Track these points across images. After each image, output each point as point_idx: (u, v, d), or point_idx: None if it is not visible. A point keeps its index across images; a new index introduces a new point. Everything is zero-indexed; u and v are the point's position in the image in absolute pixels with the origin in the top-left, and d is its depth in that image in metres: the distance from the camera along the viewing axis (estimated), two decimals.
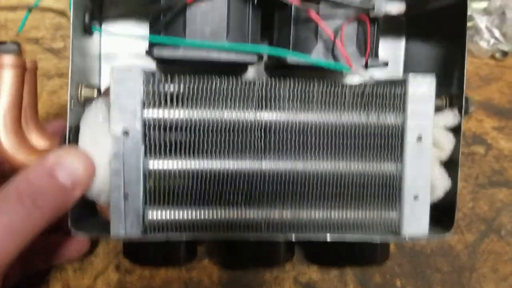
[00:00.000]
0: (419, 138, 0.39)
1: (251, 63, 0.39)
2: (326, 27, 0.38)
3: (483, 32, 0.58)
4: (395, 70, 0.51)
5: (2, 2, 0.52)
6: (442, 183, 0.41)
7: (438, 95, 0.41)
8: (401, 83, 0.39)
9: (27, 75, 0.40)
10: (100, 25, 0.43)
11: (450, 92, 0.43)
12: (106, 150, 0.37)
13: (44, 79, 0.52)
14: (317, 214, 0.40)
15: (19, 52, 0.38)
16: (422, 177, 0.40)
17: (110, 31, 0.45)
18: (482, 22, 0.57)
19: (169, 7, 0.38)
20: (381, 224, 0.41)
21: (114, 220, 0.37)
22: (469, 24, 0.56)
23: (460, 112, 0.41)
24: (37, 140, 0.41)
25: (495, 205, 0.59)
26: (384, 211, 0.40)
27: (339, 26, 0.39)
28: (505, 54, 0.60)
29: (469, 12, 0.55)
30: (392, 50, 0.51)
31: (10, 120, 0.38)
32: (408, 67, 0.51)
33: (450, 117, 0.40)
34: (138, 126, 0.36)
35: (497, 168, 0.60)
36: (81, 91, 0.39)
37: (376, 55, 0.42)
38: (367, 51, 0.41)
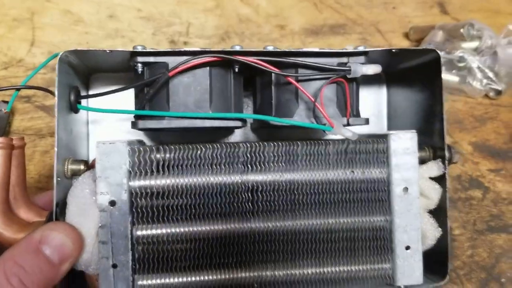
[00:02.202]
0: (406, 190, 0.40)
1: (235, 128, 0.40)
2: (306, 91, 0.39)
3: (476, 72, 0.59)
4: (379, 122, 0.52)
5: None
6: (432, 231, 0.41)
7: (422, 146, 0.42)
8: (383, 139, 0.40)
9: (15, 152, 0.41)
10: (87, 96, 0.44)
11: (433, 143, 0.43)
12: (93, 221, 0.37)
13: (36, 138, 0.53)
14: (310, 270, 0.40)
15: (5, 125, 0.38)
16: (412, 228, 0.40)
17: (96, 105, 0.47)
18: (474, 62, 0.59)
19: (153, 81, 0.39)
20: (375, 277, 0.40)
21: None
22: (461, 65, 0.59)
23: (443, 162, 0.41)
24: (26, 215, 0.41)
25: (494, 252, 0.58)
26: (377, 264, 0.40)
27: (319, 88, 0.40)
28: (499, 92, 0.61)
29: (460, 53, 0.57)
30: (376, 103, 0.53)
31: None
32: (392, 119, 0.52)
33: (434, 169, 0.41)
34: (125, 197, 0.37)
35: (495, 213, 0.59)
36: (68, 166, 0.40)
37: (358, 113, 0.43)
38: (348, 111, 0.42)
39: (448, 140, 0.59)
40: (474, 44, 0.59)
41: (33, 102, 0.54)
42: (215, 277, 0.39)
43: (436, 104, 0.43)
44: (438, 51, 0.41)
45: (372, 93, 0.52)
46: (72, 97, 0.41)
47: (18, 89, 0.47)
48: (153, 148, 0.38)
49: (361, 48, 0.41)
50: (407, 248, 0.40)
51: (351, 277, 0.40)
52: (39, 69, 0.46)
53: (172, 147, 0.38)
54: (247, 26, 0.59)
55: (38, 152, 0.52)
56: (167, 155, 0.38)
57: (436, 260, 0.42)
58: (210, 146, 0.38)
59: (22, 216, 0.41)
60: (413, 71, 0.47)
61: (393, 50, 0.42)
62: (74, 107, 0.41)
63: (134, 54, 0.39)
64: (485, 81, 0.59)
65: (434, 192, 0.41)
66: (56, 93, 0.38)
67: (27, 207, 0.42)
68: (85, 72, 0.45)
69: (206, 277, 0.39)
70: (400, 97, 0.50)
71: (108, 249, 0.37)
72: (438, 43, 0.59)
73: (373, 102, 0.52)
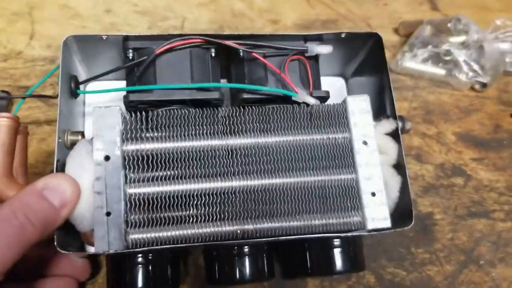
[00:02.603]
0: (365, 143, 0.45)
1: (216, 100, 0.46)
2: (273, 66, 0.47)
3: (462, 66, 0.62)
4: None
5: None
6: (394, 180, 0.46)
7: (377, 119, 0.48)
8: (342, 103, 0.47)
9: (18, 137, 0.46)
10: (85, 81, 0.50)
11: (387, 115, 0.50)
12: (89, 178, 0.41)
13: (33, 127, 0.55)
14: (287, 219, 0.43)
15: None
16: (375, 175, 0.45)
17: (94, 88, 0.53)
18: (460, 56, 0.62)
19: (141, 62, 0.46)
20: (347, 224, 0.44)
21: (98, 236, 0.39)
22: (447, 58, 0.63)
23: (394, 119, 0.48)
24: None
25: (474, 236, 0.60)
26: (348, 211, 0.44)
27: (283, 63, 0.48)
28: (484, 85, 0.64)
29: (447, 47, 0.62)
30: (338, 89, 0.61)
31: (2, 164, 0.42)
32: None
33: (387, 125, 0.47)
34: (118, 153, 0.41)
35: (476, 199, 0.62)
36: (67, 137, 0.45)
37: (319, 87, 0.50)
38: (310, 84, 0.49)
39: (433, 130, 0.65)
40: (461, 38, 0.64)
41: (32, 92, 0.55)
42: (200, 230, 0.42)
43: (384, 80, 0.51)
44: (379, 34, 0.50)
45: (332, 85, 0.60)
46: (73, 85, 0.47)
47: (24, 98, 0.53)
48: (142, 111, 0.43)
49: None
50: (373, 194, 0.44)
51: (324, 224, 0.44)
52: (45, 79, 0.52)
53: (159, 110, 0.44)
54: (241, 21, 0.62)
55: (35, 140, 0.56)
56: (154, 116, 0.43)
57: (402, 214, 0.46)
58: (193, 109, 0.44)
59: None
60: (362, 56, 0.55)
61: (342, 35, 0.50)
62: (74, 93, 0.48)
63: (126, 39, 0.46)
64: (471, 74, 0.62)
65: (391, 147, 0.47)
66: (59, 80, 0.45)
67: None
68: (83, 60, 0.51)
69: (191, 231, 0.42)
70: (355, 85, 0.58)
71: (102, 199, 0.40)
72: (426, 38, 0.64)
73: (333, 93, 0.59)
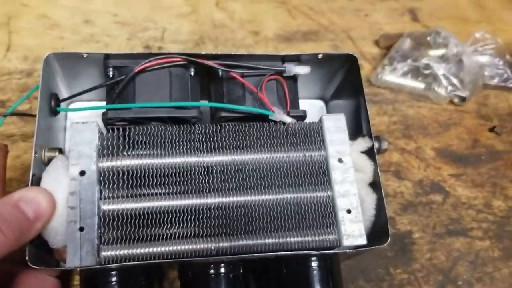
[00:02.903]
0: (340, 160, 0.46)
1: (194, 118, 0.47)
2: (250, 85, 0.48)
3: (441, 79, 0.62)
4: None
5: None
6: (369, 197, 0.46)
7: (354, 139, 0.49)
8: (318, 122, 0.48)
9: None
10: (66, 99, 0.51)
11: (363, 134, 0.51)
12: (64, 193, 0.41)
13: (8, 142, 0.53)
14: (262, 236, 0.43)
15: None
16: (350, 192, 0.45)
17: (74, 106, 0.53)
18: (439, 69, 0.62)
19: (121, 80, 0.47)
20: (322, 240, 0.44)
21: (70, 251, 0.39)
22: (427, 72, 0.64)
23: (370, 138, 0.48)
24: None
25: (452, 255, 0.60)
26: (324, 228, 0.44)
27: (261, 83, 0.49)
28: (463, 99, 0.64)
29: (427, 61, 0.62)
30: (318, 110, 0.62)
31: None
32: None
33: (362, 143, 0.48)
34: (93, 168, 0.42)
35: (455, 217, 0.61)
36: (44, 153, 0.45)
37: (297, 107, 0.51)
38: (287, 103, 0.50)
39: (412, 145, 0.65)
40: (440, 51, 0.64)
41: (7, 107, 0.56)
42: (174, 247, 0.42)
43: (360, 101, 0.52)
44: (355, 55, 0.52)
45: (312, 108, 0.62)
46: (53, 103, 0.48)
47: (5, 116, 0.53)
48: (120, 128, 0.44)
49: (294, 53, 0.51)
50: (348, 211, 0.45)
51: (300, 241, 0.44)
52: (22, 100, 0.52)
53: (137, 127, 0.44)
54: (222, 32, 0.61)
55: (10, 157, 0.53)
56: (132, 132, 0.44)
57: (379, 232, 0.47)
58: (170, 126, 0.45)
59: None
60: (340, 78, 0.56)
61: (319, 56, 0.52)
62: (54, 111, 0.48)
63: (107, 57, 0.47)
64: (450, 88, 0.63)
65: (367, 165, 0.48)
66: (39, 98, 0.45)
67: None
68: (63, 77, 0.52)
69: (166, 248, 0.42)
70: (334, 106, 0.59)
71: (76, 213, 0.40)
72: (406, 51, 0.64)
73: (313, 115, 0.60)
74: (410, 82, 0.68)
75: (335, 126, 0.47)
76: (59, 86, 0.51)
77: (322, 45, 0.66)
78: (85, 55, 0.47)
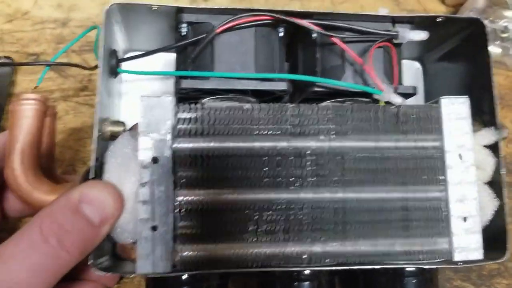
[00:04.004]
0: (460, 157, 0.38)
1: (282, 92, 0.39)
2: (354, 53, 0.39)
3: None
4: (417, 100, 0.50)
5: None
6: (489, 202, 0.38)
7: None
8: (435, 105, 0.39)
9: (46, 121, 0.39)
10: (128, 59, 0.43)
11: (482, 118, 0.42)
12: (133, 183, 0.34)
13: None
14: (362, 243, 0.37)
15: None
16: (469, 196, 0.37)
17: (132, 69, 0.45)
18: None
19: (197, 41, 0.38)
20: (430, 251, 0.37)
21: (141, 254, 0.33)
22: (504, 35, 0.56)
23: (496, 129, 0.39)
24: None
25: None
26: (433, 237, 0.37)
27: (366, 52, 0.39)
28: None
29: (505, 23, 0.55)
30: (412, 79, 0.52)
31: (28, 157, 0.36)
32: (430, 97, 0.51)
33: (488, 135, 0.39)
34: (168, 154, 0.35)
35: None
36: (107, 127, 0.38)
37: (401, 82, 0.42)
38: (395, 77, 0.40)
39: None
40: None
41: (42, 61, 0.49)
42: (259, 250, 0.36)
43: (483, 78, 0.42)
44: (483, 21, 0.41)
45: (407, 69, 0.51)
46: (113, 61, 0.40)
47: (49, 65, 0.45)
48: (198, 106, 0.36)
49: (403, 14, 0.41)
50: (465, 219, 0.37)
51: (404, 251, 0.37)
52: (74, 42, 0.44)
53: (218, 104, 0.36)
54: None
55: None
56: (213, 113, 0.36)
57: (491, 238, 0.39)
58: (257, 105, 0.37)
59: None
60: (454, 43, 0.46)
61: (438, 19, 0.41)
62: (114, 71, 0.40)
63: (180, 11, 0.38)
64: None
65: (489, 162, 0.39)
66: (98, 55, 0.37)
67: (55, 181, 0.40)
68: (125, 32, 0.43)
69: (251, 250, 0.36)
70: (438, 72, 0.49)
71: (148, 209, 0.34)
72: (479, 10, 0.56)
73: (408, 78, 0.51)
74: None
75: (456, 113, 0.38)
76: (118, 42, 0.43)
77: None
78: (154, 8, 0.38)
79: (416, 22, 0.41)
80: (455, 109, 0.38)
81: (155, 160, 0.34)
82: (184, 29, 0.39)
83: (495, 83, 0.41)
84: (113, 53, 0.40)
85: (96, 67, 0.37)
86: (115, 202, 0.32)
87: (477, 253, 0.37)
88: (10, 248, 0.30)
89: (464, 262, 0.37)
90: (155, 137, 0.35)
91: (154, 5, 0.37)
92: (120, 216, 0.33)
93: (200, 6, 0.38)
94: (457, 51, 0.46)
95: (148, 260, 0.33)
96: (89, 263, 0.33)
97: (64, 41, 0.51)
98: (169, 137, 0.35)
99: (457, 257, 0.37)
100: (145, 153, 0.34)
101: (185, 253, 0.35)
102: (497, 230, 0.39)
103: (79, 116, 0.50)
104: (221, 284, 0.39)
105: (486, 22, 0.49)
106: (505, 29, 0.56)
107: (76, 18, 0.53)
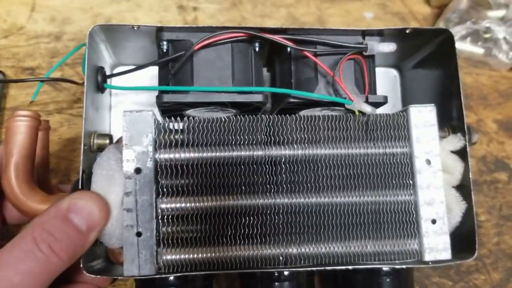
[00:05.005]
0: (428, 162, 0.40)
1: (259, 103, 0.41)
2: (325, 66, 0.41)
3: (502, 43, 0.56)
4: (394, 107, 0.53)
5: None
6: (457, 205, 0.40)
7: (440, 127, 0.42)
8: (403, 113, 0.41)
9: (39, 135, 0.42)
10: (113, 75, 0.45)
11: (452, 123, 0.44)
12: (118, 192, 0.37)
13: (42, 114, 0.49)
14: (335, 244, 0.39)
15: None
16: (437, 199, 0.39)
17: (119, 85, 0.47)
18: (500, 33, 0.55)
19: (177, 58, 0.41)
20: (401, 252, 0.39)
21: (127, 259, 0.36)
22: (487, 36, 0.56)
23: (463, 137, 0.41)
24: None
25: None
26: (404, 239, 0.39)
27: (337, 64, 0.41)
28: None
29: (487, 23, 0.55)
30: (389, 87, 0.54)
31: (22, 170, 0.38)
32: (407, 102, 0.53)
33: (454, 141, 0.41)
34: (150, 164, 0.37)
35: None
36: (94, 140, 0.40)
37: (375, 92, 0.44)
38: (366, 87, 0.43)
39: (472, 117, 0.58)
40: (500, 12, 0.57)
41: (37, 75, 0.51)
42: (238, 253, 0.38)
43: (452, 85, 0.44)
44: (451, 31, 0.43)
45: (384, 77, 0.54)
46: (99, 78, 0.43)
47: (42, 81, 0.48)
48: (178, 118, 0.39)
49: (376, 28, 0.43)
50: (433, 222, 0.39)
51: (376, 252, 0.39)
52: (65, 59, 0.47)
53: (196, 118, 0.39)
54: None
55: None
56: (191, 125, 0.38)
57: (462, 239, 0.41)
58: (233, 117, 0.39)
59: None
60: (426, 51, 0.48)
61: (407, 31, 0.43)
62: (101, 87, 0.43)
63: (160, 29, 0.41)
64: (511, 53, 0.56)
65: (456, 166, 0.41)
66: (85, 74, 0.40)
67: (49, 190, 0.42)
68: (110, 49, 0.46)
69: (231, 253, 0.38)
70: (414, 79, 0.51)
71: (133, 217, 0.36)
72: (462, 11, 0.57)
73: (386, 85, 0.53)
74: (469, 47, 0.58)
75: (424, 120, 0.40)
76: (105, 58, 0.45)
77: (369, 4, 0.58)
78: (135, 28, 0.40)
79: (386, 34, 0.44)
80: (423, 117, 0.40)
81: (138, 171, 0.37)
82: (165, 46, 0.41)
83: (463, 90, 0.43)
84: (99, 69, 0.43)
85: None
86: (101, 211, 0.35)
87: (446, 253, 0.39)
88: (4, 255, 0.32)
89: (434, 262, 0.39)
90: (137, 149, 0.37)
91: (135, 25, 0.40)
92: (107, 223, 0.36)
93: (178, 26, 0.40)
94: (430, 59, 0.48)
95: (134, 264, 0.36)
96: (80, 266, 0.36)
97: (58, 55, 0.53)
98: (150, 149, 0.37)
99: (427, 257, 0.39)
100: (129, 164, 0.37)
101: (168, 257, 0.37)
102: (468, 231, 0.41)
103: (73, 128, 0.53)
104: (205, 286, 0.42)
105: (468, 23, 0.50)
106: (487, 30, 0.57)
107: (70, 31, 0.54)
